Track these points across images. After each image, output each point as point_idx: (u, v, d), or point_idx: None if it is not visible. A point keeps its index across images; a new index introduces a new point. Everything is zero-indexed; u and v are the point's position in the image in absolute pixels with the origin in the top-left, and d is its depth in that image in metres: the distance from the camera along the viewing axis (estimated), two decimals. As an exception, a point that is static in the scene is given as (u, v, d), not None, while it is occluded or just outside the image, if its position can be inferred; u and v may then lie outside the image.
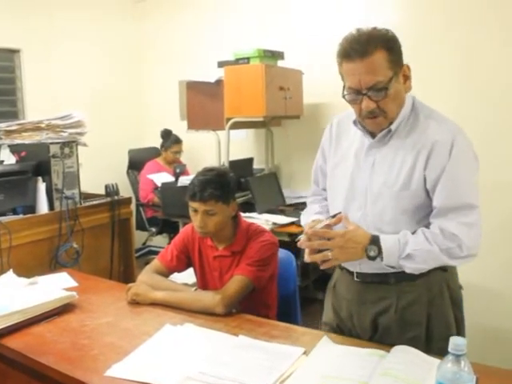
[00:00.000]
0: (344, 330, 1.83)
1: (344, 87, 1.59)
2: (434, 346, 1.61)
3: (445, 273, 1.68)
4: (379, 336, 1.71)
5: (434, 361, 1.31)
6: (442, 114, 1.65)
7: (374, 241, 1.54)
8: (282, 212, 4.05)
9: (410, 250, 1.52)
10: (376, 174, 1.65)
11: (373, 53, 1.50)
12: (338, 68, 1.60)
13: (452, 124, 1.61)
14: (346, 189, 1.72)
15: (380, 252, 1.53)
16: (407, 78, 1.60)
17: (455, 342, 1.10)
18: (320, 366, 1.48)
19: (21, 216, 2.65)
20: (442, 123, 1.60)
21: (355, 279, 1.74)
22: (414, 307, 1.65)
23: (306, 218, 1.85)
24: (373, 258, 1.54)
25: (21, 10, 4.60)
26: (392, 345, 1.55)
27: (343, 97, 1.59)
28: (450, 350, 1.11)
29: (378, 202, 1.64)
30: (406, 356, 1.46)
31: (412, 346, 1.52)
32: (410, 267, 1.55)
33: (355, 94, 1.56)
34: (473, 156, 1.60)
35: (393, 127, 1.61)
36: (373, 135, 1.67)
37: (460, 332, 1.70)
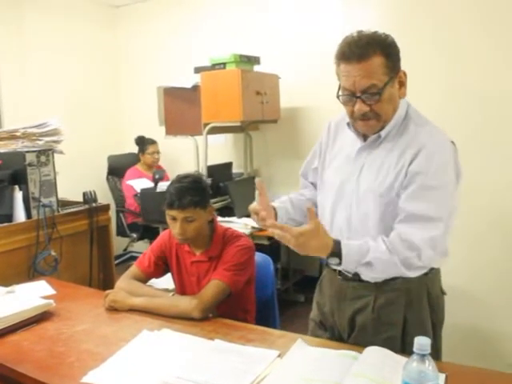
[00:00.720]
0: (326, 326, 1.88)
1: (339, 87, 1.62)
2: (409, 348, 1.63)
3: (425, 277, 1.69)
4: (356, 334, 1.74)
5: (403, 360, 1.34)
6: (435, 125, 1.67)
7: (335, 245, 1.53)
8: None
9: (370, 257, 1.53)
10: (363, 177, 1.68)
11: (371, 57, 1.53)
12: (335, 68, 1.62)
13: (442, 136, 1.63)
14: (336, 188, 1.75)
15: (340, 256, 1.53)
16: (402, 84, 1.63)
17: (419, 341, 1.13)
18: (294, 368, 1.51)
19: (-3, 225, 2.64)
20: (432, 133, 1.62)
21: (337, 276, 1.78)
22: (391, 307, 1.68)
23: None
24: (332, 262, 1.56)
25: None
26: (367, 344, 1.57)
27: (337, 97, 1.63)
28: (414, 349, 1.14)
29: (361, 205, 1.67)
30: (377, 357, 1.49)
31: (387, 346, 1.54)
32: (367, 275, 1.59)
33: (349, 95, 1.59)
34: (454, 171, 1.61)
35: (382, 133, 1.65)
36: (365, 138, 1.70)
37: (436, 337, 1.72)
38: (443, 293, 1.80)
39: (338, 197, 1.75)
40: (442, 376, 1.32)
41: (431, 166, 1.55)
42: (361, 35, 1.57)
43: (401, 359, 1.44)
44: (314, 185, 1.97)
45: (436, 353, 1.72)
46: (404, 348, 1.63)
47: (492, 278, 3.45)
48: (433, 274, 1.73)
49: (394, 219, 1.60)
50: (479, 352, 3.09)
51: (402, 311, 1.69)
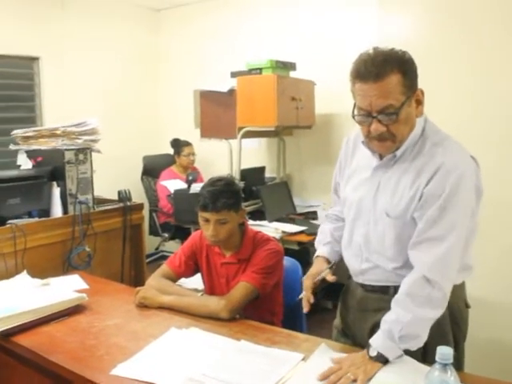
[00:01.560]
0: (348, 336, 1.90)
1: (354, 106, 1.58)
2: (430, 359, 1.62)
3: None
4: None
5: (425, 368, 1.35)
6: (454, 141, 1.62)
7: (369, 351, 1.54)
8: (291, 221, 4.10)
9: (399, 332, 1.50)
10: (379, 196, 1.66)
11: (387, 76, 1.48)
12: (351, 86, 1.58)
13: (460, 153, 1.58)
14: (354, 205, 1.75)
15: (381, 354, 1.52)
16: (420, 102, 1.58)
17: (442, 351, 1.14)
18: (316, 372, 1.52)
19: (36, 219, 2.73)
20: (449, 151, 1.57)
21: (359, 288, 1.80)
22: None
23: (318, 240, 1.97)
24: (385, 360, 1.53)
25: (39, 19, 4.73)
26: None
27: (353, 117, 1.59)
28: (436, 359, 1.15)
29: (378, 224, 1.67)
30: (400, 365, 1.50)
31: (408, 354, 1.54)
32: (412, 345, 1.53)
33: (365, 115, 1.54)
34: (474, 189, 1.58)
35: (398, 153, 1.61)
36: (380, 156, 1.68)
37: (458, 350, 1.70)
38: (467, 306, 1.79)
39: (357, 214, 1.74)
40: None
41: (446, 187, 1.51)
42: (377, 52, 1.53)
43: (423, 368, 1.44)
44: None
45: (458, 366, 1.70)
46: (425, 359, 1.61)
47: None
48: (455, 288, 1.69)
49: (410, 239, 1.59)
50: (505, 367, 3.03)
51: None
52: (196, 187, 3.99)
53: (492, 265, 3.27)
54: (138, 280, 3.20)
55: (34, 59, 4.79)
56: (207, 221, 2.16)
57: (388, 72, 1.48)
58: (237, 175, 4.06)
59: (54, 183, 2.84)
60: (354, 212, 1.75)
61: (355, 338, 1.85)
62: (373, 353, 1.53)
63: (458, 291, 1.73)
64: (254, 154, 4.96)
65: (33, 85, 4.85)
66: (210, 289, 2.34)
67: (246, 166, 4.29)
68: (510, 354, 3.31)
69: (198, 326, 1.95)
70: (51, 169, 2.86)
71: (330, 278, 1.76)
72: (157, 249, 5.70)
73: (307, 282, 1.82)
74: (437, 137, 1.62)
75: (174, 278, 2.33)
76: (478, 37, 3.49)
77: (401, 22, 3.90)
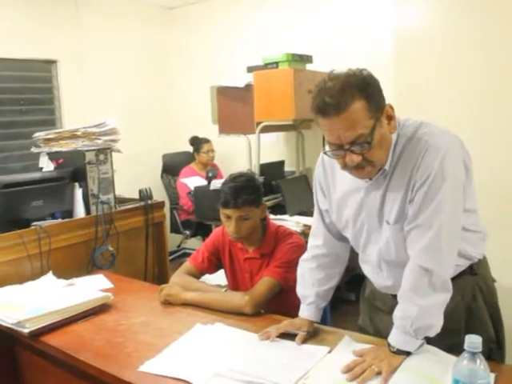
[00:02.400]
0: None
1: (324, 140, 1.50)
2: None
3: (475, 276, 1.67)
4: None
5: (453, 358, 1.34)
6: (429, 125, 1.55)
7: (389, 346, 1.53)
8: (312, 214, 4.07)
9: (411, 327, 1.48)
10: (380, 212, 1.60)
11: (349, 105, 1.37)
12: (315, 120, 1.47)
13: (439, 135, 1.51)
14: (358, 225, 1.69)
15: (401, 350, 1.51)
16: (391, 118, 1.48)
17: (471, 340, 1.13)
18: (340, 364, 1.52)
19: (59, 220, 2.76)
20: (428, 137, 1.50)
21: (389, 296, 1.74)
22: (452, 317, 1.61)
23: (301, 294, 1.90)
24: (407, 353, 1.51)
25: (54, 21, 4.76)
26: None
27: (324, 153, 1.53)
28: (465, 347, 1.14)
29: (387, 238, 1.61)
30: (425, 354, 1.49)
31: (451, 352, 1.50)
32: (429, 334, 1.50)
33: (337, 149, 1.46)
34: (460, 168, 1.51)
35: (387, 167, 1.53)
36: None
37: (498, 331, 1.69)
38: (494, 280, 1.77)
39: (365, 234, 1.68)
40: (492, 376, 1.30)
41: (431, 172, 1.45)
42: (333, 81, 1.41)
43: (451, 357, 1.43)
44: (330, 225, 1.84)
45: (499, 349, 1.71)
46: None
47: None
48: (481, 270, 1.70)
49: None
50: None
51: (463, 317, 1.66)
52: (216, 183, 3.99)
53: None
54: (161, 278, 3.23)
55: (52, 62, 4.83)
56: (229, 217, 2.16)
57: (349, 101, 1.38)
58: (256, 170, 4.06)
59: (76, 184, 2.87)
60: (360, 233, 1.69)
61: None
62: (393, 349, 1.52)
63: (484, 272, 1.71)
64: (272, 148, 4.95)
65: (51, 87, 4.89)
66: (234, 284, 2.35)
67: (264, 160, 4.29)
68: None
69: (222, 321, 1.96)
70: (73, 170, 2.89)
71: (298, 342, 1.73)
72: (178, 246, 5.74)
73: (283, 325, 1.81)
74: (409, 130, 1.54)
75: (198, 275, 2.34)
76: (496, 25, 3.45)
77: (417, 10, 3.87)
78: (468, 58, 3.53)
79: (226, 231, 2.24)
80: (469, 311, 1.67)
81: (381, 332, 1.80)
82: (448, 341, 1.58)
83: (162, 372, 1.59)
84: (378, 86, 1.46)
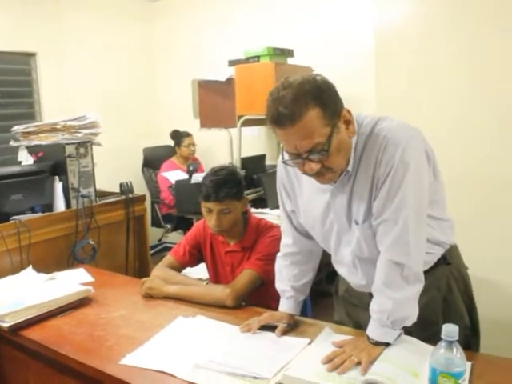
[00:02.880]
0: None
1: (282, 149, 1.50)
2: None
3: (449, 266, 1.70)
4: None
5: (430, 348, 1.37)
6: (386, 119, 1.54)
7: (368, 339, 1.55)
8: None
9: (387, 320, 1.50)
10: (348, 211, 1.60)
11: (303, 114, 1.35)
12: (272, 129, 1.46)
13: (396, 128, 1.50)
14: (327, 226, 1.68)
15: (379, 342, 1.53)
16: (349, 122, 1.47)
17: (447, 328, 1.16)
18: (320, 355, 1.53)
19: (39, 214, 2.75)
20: (386, 131, 1.48)
21: (366, 295, 1.73)
22: (430, 309, 1.65)
23: (280, 288, 1.92)
24: (386, 344, 1.53)
25: (34, 14, 4.71)
26: None
27: (283, 162, 1.51)
28: (442, 336, 1.16)
29: (357, 237, 1.61)
30: (404, 344, 1.52)
31: (430, 342, 1.51)
32: (406, 324, 1.53)
33: (295, 158, 1.45)
34: (423, 159, 1.51)
35: (350, 168, 1.53)
36: None
37: (473, 319, 1.73)
38: (466, 268, 1.80)
39: (335, 236, 1.68)
40: (468, 364, 1.33)
41: (392, 166, 1.45)
42: (286, 88, 1.38)
43: (428, 347, 1.46)
44: (298, 226, 1.85)
45: (475, 336, 1.75)
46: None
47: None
48: (454, 259, 1.72)
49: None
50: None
51: (439, 308, 1.69)
52: (197, 177, 3.99)
53: (495, 247, 3.29)
54: (142, 271, 3.23)
55: (31, 55, 4.78)
56: (210, 211, 2.16)
57: (303, 111, 1.35)
58: (237, 164, 4.07)
59: (56, 178, 2.86)
60: (329, 233, 1.69)
61: None
62: (372, 341, 1.54)
63: (459, 256, 1.75)
64: (254, 142, 4.96)
65: (31, 80, 4.84)
66: (215, 278, 2.36)
67: (246, 154, 4.30)
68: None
69: (204, 314, 1.97)
70: (53, 163, 2.87)
71: (278, 334, 1.76)
72: (159, 240, 5.73)
73: (264, 317, 1.83)
74: (368, 127, 1.52)
75: (179, 268, 2.35)
76: (474, 26, 3.48)
77: (397, 9, 3.89)
78: (448, 58, 3.56)
79: (208, 225, 2.25)
80: (445, 302, 1.70)
81: (361, 325, 1.81)
82: (426, 332, 1.60)
83: (144, 365, 1.59)
84: (333, 91, 1.43)
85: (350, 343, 1.58)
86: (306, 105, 1.35)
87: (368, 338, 1.55)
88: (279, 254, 1.94)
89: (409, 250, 1.49)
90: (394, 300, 1.49)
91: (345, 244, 1.68)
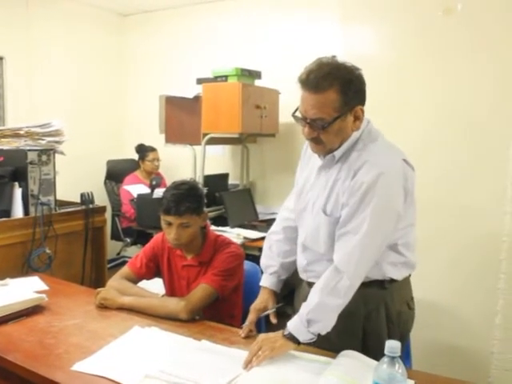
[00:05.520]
0: None
1: (298, 108, 1.68)
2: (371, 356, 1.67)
3: (383, 291, 1.77)
4: (319, 342, 1.74)
5: (374, 362, 1.41)
6: (386, 143, 1.72)
7: (284, 330, 1.68)
8: (253, 227, 4.13)
9: (306, 316, 1.62)
10: (318, 196, 1.76)
11: (325, 91, 1.56)
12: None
13: (387, 155, 1.66)
14: (303, 204, 1.84)
15: (293, 335, 1.65)
16: (358, 118, 1.65)
17: (390, 345, 1.20)
18: (268, 369, 1.58)
19: (-4, 219, 2.70)
20: (376, 152, 1.65)
21: (306, 286, 1.88)
22: (351, 319, 1.73)
23: (265, 263, 2.09)
24: (297, 341, 1.66)
25: (3, 19, 4.66)
26: (330, 351, 1.69)
27: (292, 115, 1.69)
28: (385, 352, 1.21)
29: (315, 222, 1.76)
30: (350, 359, 1.56)
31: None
32: (318, 330, 1.63)
33: (301, 118, 1.65)
34: (396, 193, 1.63)
35: (336, 154, 1.70)
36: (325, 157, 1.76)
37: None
38: (410, 307, 1.86)
39: (302, 213, 1.85)
40: (411, 382, 1.38)
41: (364, 183, 1.59)
42: (327, 63, 1.60)
43: (369, 361, 1.51)
44: None
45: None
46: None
47: (475, 295, 3.50)
48: (392, 289, 1.78)
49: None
50: (460, 368, 3.13)
51: (360, 323, 1.77)
52: (159, 192, 3.99)
53: (442, 268, 3.41)
54: (98, 283, 3.19)
55: (-2, 59, 4.73)
56: (170, 224, 2.18)
57: (326, 87, 1.56)
58: (200, 181, 4.09)
59: (16, 184, 2.83)
60: (300, 211, 1.85)
61: None
62: (286, 332, 1.65)
63: (395, 293, 1.80)
64: (218, 160, 4.99)
65: (-5, 85, 4.78)
66: (171, 291, 2.37)
67: (209, 172, 4.32)
68: (464, 356, 3.42)
69: (157, 326, 1.97)
70: (13, 169, 2.84)
71: (274, 320, 1.87)
72: (118, 254, 5.66)
73: (252, 316, 1.93)
74: (370, 137, 1.70)
75: (135, 280, 2.35)
76: (436, 51, 3.63)
77: (364, 36, 4.02)
78: (415, 84, 3.69)
79: (166, 238, 2.26)
80: (369, 320, 1.77)
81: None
82: (345, 343, 1.69)
83: (94, 372, 1.59)
84: (359, 88, 1.62)
85: (263, 335, 1.70)
86: (330, 85, 1.55)
87: (284, 330, 1.66)
88: (272, 229, 2.08)
89: (355, 261, 1.60)
90: (320, 301, 1.60)
91: (304, 224, 1.82)
